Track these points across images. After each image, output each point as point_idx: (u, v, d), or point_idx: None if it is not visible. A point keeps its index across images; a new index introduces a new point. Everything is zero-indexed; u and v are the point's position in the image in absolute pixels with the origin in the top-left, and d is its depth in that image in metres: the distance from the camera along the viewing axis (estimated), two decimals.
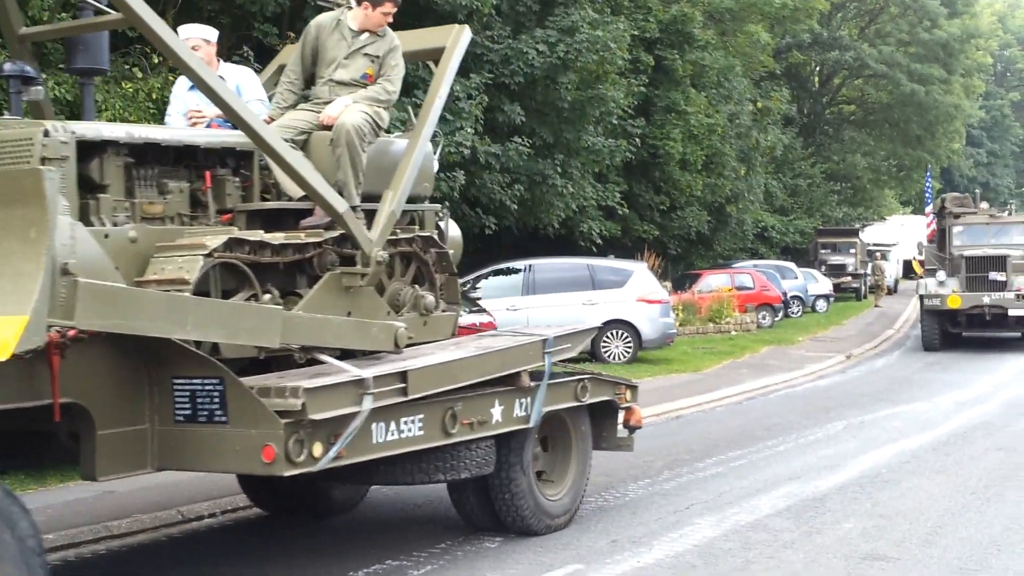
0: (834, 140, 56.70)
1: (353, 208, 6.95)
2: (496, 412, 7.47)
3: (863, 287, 44.21)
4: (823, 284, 39.72)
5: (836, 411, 15.13)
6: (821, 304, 38.68)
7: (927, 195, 29.97)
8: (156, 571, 7.78)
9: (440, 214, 8.49)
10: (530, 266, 20.87)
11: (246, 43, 16.95)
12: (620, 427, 9.04)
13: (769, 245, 44.86)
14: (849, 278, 44.81)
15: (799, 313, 35.71)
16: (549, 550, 7.89)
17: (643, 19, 28.43)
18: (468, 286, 20.34)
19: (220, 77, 7.48)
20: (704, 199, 32.25)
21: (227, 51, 17.32)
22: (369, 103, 7.27)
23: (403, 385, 6.62)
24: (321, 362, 6.67)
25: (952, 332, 24.56)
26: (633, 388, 9.07)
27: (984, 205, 27.66)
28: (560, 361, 8.34)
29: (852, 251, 45.45)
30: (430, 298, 7.68)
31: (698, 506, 9.24)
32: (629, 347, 20.23)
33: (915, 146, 54.56)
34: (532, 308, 20.10)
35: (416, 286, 7.71)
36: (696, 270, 33.92)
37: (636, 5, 28.60)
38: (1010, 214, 27.80)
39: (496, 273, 20.99)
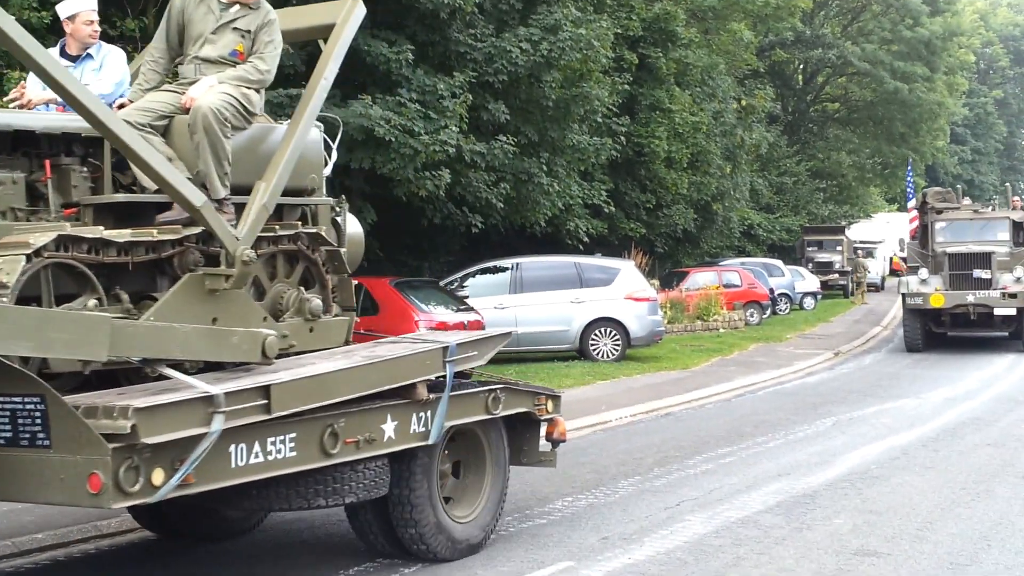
0: (819, 138, 56.82)
1: (219, 201, 6.28)
2: (389, 428, 6.75)
3: (850, 284, 44.32)
4: (810, 281, 39.81)
5: (825, 408, 15.13)
6: (808, 301, 38.75)
7: (909, 191, 29.44)
8: (146, 571, 7.70)
9: (337, 208, 7.80)
10: (517, 264, 20.83)
11: None
12: (543, 441, 8.40)
13: (756, 243, 44.93)
14: (836, 275, 44.90)
15: (787, 310, 35.77)
16: (540, 547, 7.85)
17: (626, 17, 28.41)
18: (455, 285, 20.32)
19: (89, 55, 7.05)
20: (690, 197, 32.26)
21: None
22: (236, 83, 6.53)
23: (265, 402, 5.87)
24: (167, 377, 5.92)
25: (936, 332, 23.88)
26: (555, 398, 8.39)
27: (967, 201, 26.92)
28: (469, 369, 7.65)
29: (839, 248, 45.54)
30: (316, 301, 6.96)
31: (688, 503, 9.21)
32: (618, 345, 20.21)
33: (899, 144, 54.70)
34: (520, 307, 20.07)
35: (302, 288, 7.01)
36: (683, 268, 33.95)
37: (619, 3, 28.57)
38: (993, 210, 27.13)
39: (483, 272, 20.96)
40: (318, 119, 7.52)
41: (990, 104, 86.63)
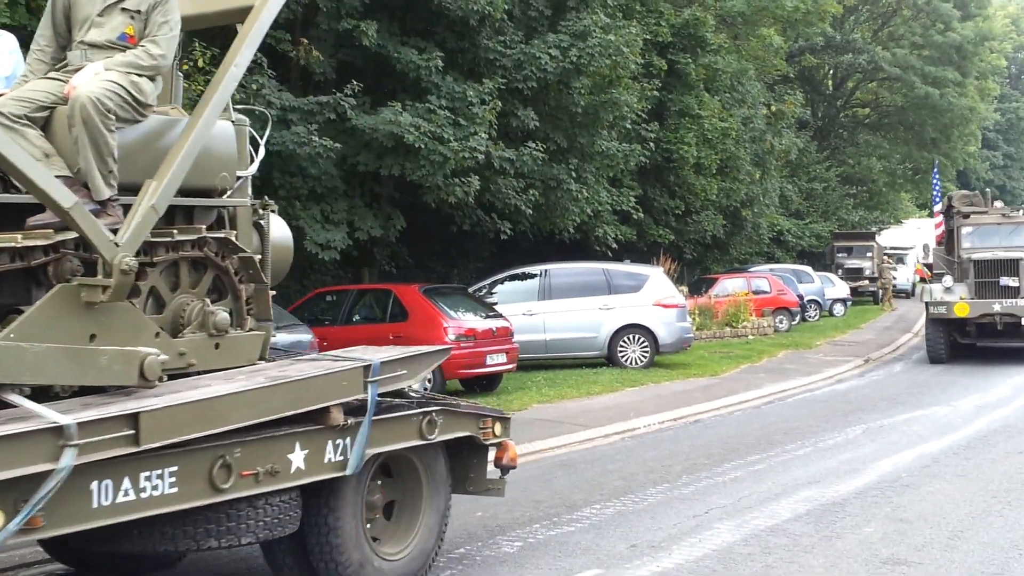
0: (849, 143, 56.59)
1: (102, 203, 5.62)
2: (297, 458, 6.00)
3: (879, 291, 44.08)
4: (840, 288, 39.60)
5: (855, 415, 15.05)
6: (838, 308, 38.56)
7: (935, 194, 27.79)
8: None
9: (260, 211, 7.07)
10: (546, 271, 20.85)
11: (259, 50, 16.94)
12: (492, 466, 7.64)
13: (785, 249, 44.76)
14: (866, 282, 44.62)
15: (816, 317, 35.60)
16: (568, 555, 7.86)
17: (655, 23, 28.43)
18: (484, 291, 20.37)
19: None
20: (719, 203, 32.20)
21: None
22: (125, 70, 5.82)
23: (132, 432, 5.11)
24: (11, 404, 5.10)
25: (961, 343, 22.59)
26: (503, 420, 7.56)
27: (998, 204, 25.41)
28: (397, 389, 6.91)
29: (869, 255, 45.26)
30: (223, 314, 6.17)
31: (717, 510, 9.19)
32: (646, 352, 20.20)
33: (930, 149, 54.36)
34: (548, 313, 20.09)
35: (208, 300, 6.27)
36: (712, 274, 33.87)
37: (648, 9, 28.60)
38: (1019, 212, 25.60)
39: (512, 278, 20.99)
40: (245, 112, 7.05)
41: (1022, 109, 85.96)
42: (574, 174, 21.62)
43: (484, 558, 7.84)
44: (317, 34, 18.03)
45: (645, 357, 20.18)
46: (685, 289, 28.09)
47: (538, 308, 20.15)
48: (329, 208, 17.72)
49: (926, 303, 22.21)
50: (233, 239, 6.42)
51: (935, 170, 28.96)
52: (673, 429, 14.20)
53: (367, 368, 6.39)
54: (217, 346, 6.18)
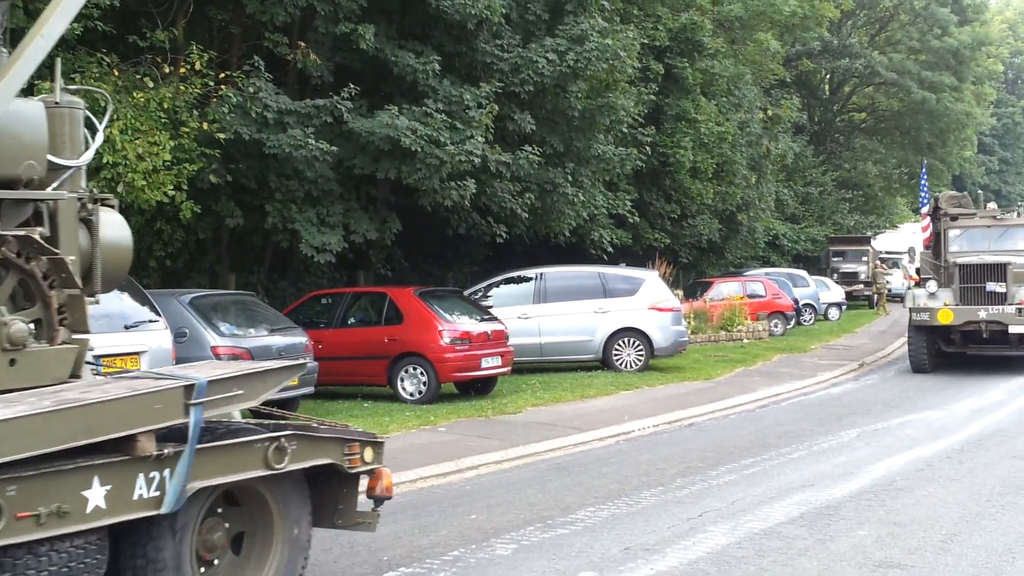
0: (845, 148, 56.65)
1: None
2: (95, 495, 5.05)
3: (874, 295, 44.12)
4: (835, 292, 39.64)
5: (849, 419, 15.08)
6: (833, 312, 38.60)
7: (923, 196, 25.81)
8: None
9: (89, 206, 6.22)
10: (541, 274, 20.86)
11: (256, 53, 17.00)
12: (365, 496, 6.77)
13: (781, 253, 44.79)
14: (861, 286, 44.69)
15: (811, 321, 35.63)
16: (563, 557, 7.87)
17: (652, 27, 28.47)
18: (479, 294, 20.38)
19: None
20: (715, 207, 32.23)
21: (238, 61, 17.42)
22: None
23: None
24: None
25: (946, 351, 21.61)
26: (375, 445, 6.59)
27: (992, 206, 24.49)
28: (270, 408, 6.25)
29: (864, 259, 45.32)
30: (19, 325, 5.43)
31: (711, 513, 9.21)
32: (641, 355, 20.21)
33: (926, 154, 54.37)
34: (543, 316, 20.11)
35: (3, 309, 5.50)
36: (707, 278, 33.90)
37: (645, 14, 28.64)
38: (1019, 215, 24.53)
39: (507, 281, 21.01)
40: (78, 93, 6.46)
41: (1018, 114, 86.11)
42: (570, 178, 21.64)
43: (478, 560, 7.85)
44: (315, 37, 18.05)
45: (640, 360, 20.20)
46: (680, 293, 28.10)
47: (533, 311, 20.17)
48: (325, 211, 17.74)
49: (909, 309, 21.21)
50: (38, 237, 5.61)
51: (923, 171, 27.39)
52: (667, 432, 14.22)
53: (189, 388, 5.48)
54: (12, 362, 5.40)
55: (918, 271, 22.49)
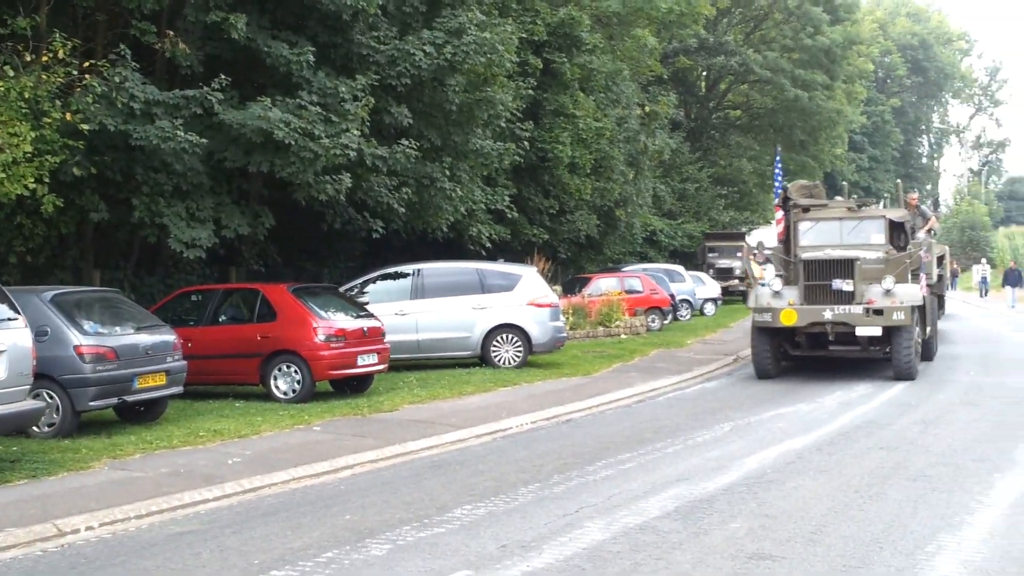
0: (721, 144, 57.70)
1: None
2: None
3: (749, 290, 44.86)
4: (711, 287, 40.24)
5: (723, 413, 15.25)
6: (709, 307, 39.18)
7: (776, 185, 23.09)
8: None
9: None
10: (419, 270, 20.65)
11: (123, 41, 16.47)
12: None
13: (658, 249, 45.36)
14: (736, 281, 45.44)
15: (688, 316, 36.11)
16: (438, 556, 7.74)
17: (531, 22, 28.52)
18: (355, 291, 20.10)
19: None
20: (593, 203, 32.43)
21: (103, 49, 16.86)
22: None
23: None
24: None
25: (794, 355, 20.32)
26: None
27: (839, 199, 22.67)
28: None
29: (739, 255, 46.09)
30: None
31: (588, 509, 9.17)
32: (519, 351, 20.17)
33: (799, 151, 55.78)
34: (421, 313, 19.93)
35: None
36: (586, 274, 34.08)
37: (524, 8, 28.68)
38: (884, 206, 23.71)
39: (384, 277, 20.74)
40: None
41: (887, 112, 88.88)
42: (448, 172, 21.51)
43: (352, 561, 7.70)
44: (184, 26, 17.56)
45: (518, 357, 20.16)
46: (559, 288, 28.21)
47: (411, 308, 19.97)
48: (195, 205, 17.28)
49: (751, 309, 19.83)
50: None
51: (777, 159, 24.19)
52: (545, 429, 14.18)
53: None
54: None
55: (766, 263, 20.87)
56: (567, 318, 25.18)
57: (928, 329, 21.51)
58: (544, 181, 29.81)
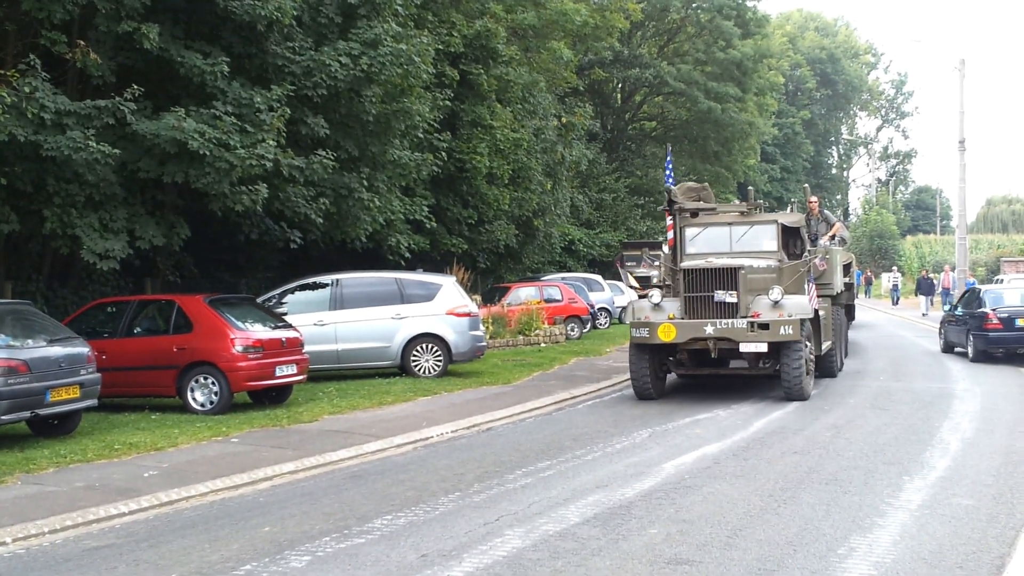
0: (637, 155, 58.23)
1: None
2: None
3: None
4: (629, 296, 40.44)
5: (641, 419, 15.41)
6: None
7: (669, 185, 20.86)
8: None
9: None
10: (337, 280, 20.56)
11: (32, 51, 16.18)
12: None
13: (576, 258, 45.60)
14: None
15: (607, 324, 36.40)
16: (359, 567, 7.74)
17: (447, 34, 28.56)
18: (274, 301, 19.96)
19: None
20: (512, 213, 32.57)
21: (12, 59, 16.54)
22: None
23: None
24: None
25: (679, 373, 18.98)
26: None
27: (747, 203, 20.50)
28: None
29: (656, 263, 46.44)
30: None
31: (508, 517, 9.23)
32: (439, 361, 20.18)
33: (713, 162, 56.56)
34: (340, 323, 19.85)
35: None
36: (505, 283, 34.21)
37: (440, 20, 28.71)
38: (792, 210, 22.38)
39: (302, 288, 20.62)
40: None
41: (798, 124, 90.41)
42: (366, 183, 21.45)
43: (271, 573, 7.68)
44: (96, 36, 17.28)
45: (439, 366, 20.17)
46: (478, 298, 28.27)
47: (330, 318, 19.88)
48: (108, 216, 17.01)
49: (629, 324, 18.23)
50: None
51: (668, 160, 22.02)
52: (466, 437, 14.22)
53: None
54: None
55: (644, 279, 19.65)
56: (487, 327, 25.25)
57: (828, 343, 19.85)
58: (462, 191, 29.86)
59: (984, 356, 23.51)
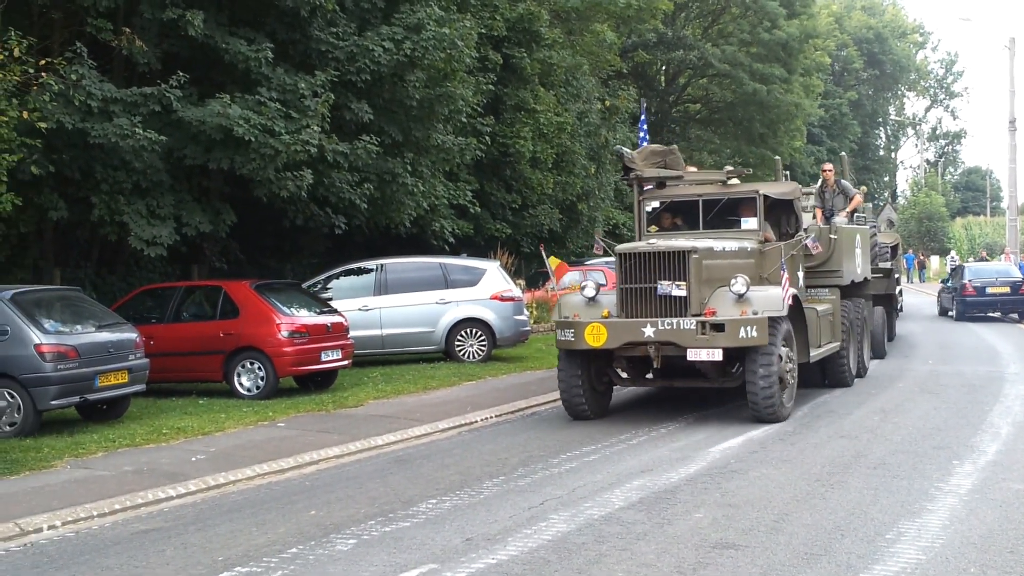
0: (680, 138, 57.81)
1: None
2: None
3: None
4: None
5: (686, 402, 15.33)
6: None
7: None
8: None
9: None
10: (382, 265, 20.62)
11: (79, 39, 16.33)
12: None
13: (620, 242, 45.34)
14: None
15: None
16: (403, 550, 7.76)
17: (490, 17, 28.49)
18: (319, 287, 20.06)
19: None
20: (555, 197, 32.48)
21: (59, 47, 16.71)
22: None
23: None
24: None
25: (625, 380, 14.72)
26: None
27: (728, 168, 16.09)
28: None
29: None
30: None
31: (552, 502, 9.22)
32: (484, 345, 20.20)
33: (758, 144, 56.06)
34: (385, 308, 19.91)
35: None
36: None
37: (483, 3, 28.62)
38: (789, 178, 18.68)
39: (347, 273, 20.70)
40: None
41: (845, 105, 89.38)
42: (410, 168, 21.47)
43: (317, 557, 7.70)
44: (141, 23, 17.41)
45: (483, 351, 20.19)
46: (522, 282, 28.23)
47: (374, 303, 19.94)
48: (155, 203, 17.16)
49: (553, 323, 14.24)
50: None
51: (643, 117, 19.51)
52: (510, 422, 14.23)
53: None
54: None
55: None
56: (531, 312, 25.22)
57: (833, 346, 16.12)
58: (506, 176, 29.83)
59: (964, 317, 31.20)
